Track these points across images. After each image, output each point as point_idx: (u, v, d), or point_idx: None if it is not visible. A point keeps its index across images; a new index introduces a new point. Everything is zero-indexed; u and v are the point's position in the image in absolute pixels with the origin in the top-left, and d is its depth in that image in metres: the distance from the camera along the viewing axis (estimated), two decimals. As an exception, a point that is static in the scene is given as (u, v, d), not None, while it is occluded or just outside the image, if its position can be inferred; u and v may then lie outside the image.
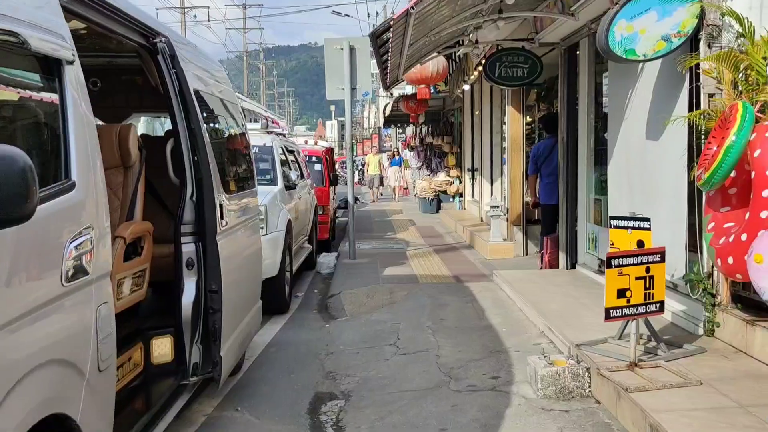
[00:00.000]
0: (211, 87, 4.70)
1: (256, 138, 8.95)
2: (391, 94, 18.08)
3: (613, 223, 5.03)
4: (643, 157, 6.05)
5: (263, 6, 74.92)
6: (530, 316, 6.65)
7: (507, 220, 10.63)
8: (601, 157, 8.02)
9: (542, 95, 11.44)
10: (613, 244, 4.99)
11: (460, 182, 19.45)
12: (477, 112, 17.08)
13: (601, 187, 7.68)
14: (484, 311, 7.08)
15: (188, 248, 3.89)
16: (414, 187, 25.90)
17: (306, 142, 14.06)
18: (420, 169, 23.45)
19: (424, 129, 22.79)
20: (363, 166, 29.12)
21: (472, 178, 17.53)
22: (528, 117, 11.49)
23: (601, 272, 7.49)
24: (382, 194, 24.21)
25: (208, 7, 56.21)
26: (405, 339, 6.16)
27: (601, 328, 5.21)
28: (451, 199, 20.23)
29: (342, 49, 10.39)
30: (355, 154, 18.09)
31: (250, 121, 9.40)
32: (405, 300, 7.76)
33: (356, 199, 25.11)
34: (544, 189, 8.67)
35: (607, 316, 4.48)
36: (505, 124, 13.14)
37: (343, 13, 26.07)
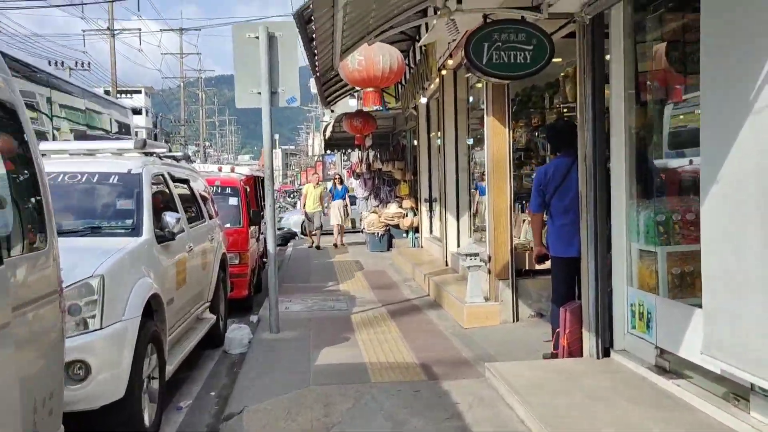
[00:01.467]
0: None
1: (115, 162, 5.85)
2: (332, 111, 15.13)
3: None
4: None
5: (201, 30, 71.86)
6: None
7: (489, 271, 7.72)
8: (651, 183, 5.18)
9: (530, 101, 8.67)
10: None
11: (415, 214, 16.56)
12: (436, 132, 14.26)
13: (657, 230, 4.83)
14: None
15: None
16: (360, 220, 22.94)
17: (220, 170, 10.96)
18: (367, 199, 20.49)
19: (371, 153, 19.91)
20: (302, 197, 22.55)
21: (430, 210, 14.66)
22: (519, 128, 8.72)
23: (664, 370, 4.62)
24: (322, 245, 17.34)
25: (140, 30, 52.71)
26: None
27: None
28: (405, 235, 17.28)
29: (257, 37, 7.41)
30: (298, 183, 14.91)
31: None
32: (349, 422, 4.71)
33: (294, 235, 21.90)
34: (557, 233, 5.78)
35: None
36: (478, 143, 10.34)
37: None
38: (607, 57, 5.35)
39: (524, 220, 8.06)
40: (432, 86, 10.73)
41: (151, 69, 77.04)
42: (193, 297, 6.28)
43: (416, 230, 16.65)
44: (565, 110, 7.92)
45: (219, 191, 9.84)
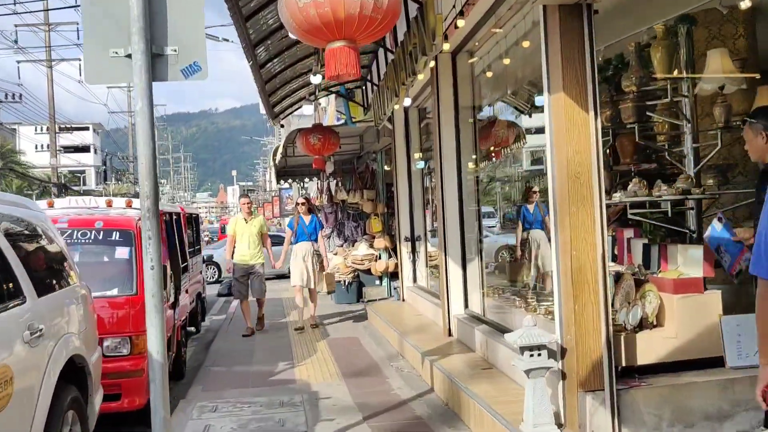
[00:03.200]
0: None
1: None
2: (282, 126, 11.64)
3: None
4: None
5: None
6: None
7: (563, 376, 4.24)
8: None
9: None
10: None
11: (390, 256, 13.11)
12: (419, 152, 10.88)
13: None
14: None
15: None
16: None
17: (109, 204, 7.29)
18: (329, 237, 16.92)
19: (333, 182, 16.43)
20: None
21: (413, 251, 11.23)
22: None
23: None
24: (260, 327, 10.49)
25: (79, 59, 48.67)
26: None
27: None
28: (378, 281, 13.80)
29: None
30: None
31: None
32: None
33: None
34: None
35: None
36: (484, 158, 7.05)
37: (220, 37, 19.57)
38: None
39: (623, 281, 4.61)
40: (422, 75, 7.36)
41: (96, 103, 72.64)
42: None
43: (393, 275, 13.19)
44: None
45: (98, 239, 6.26)
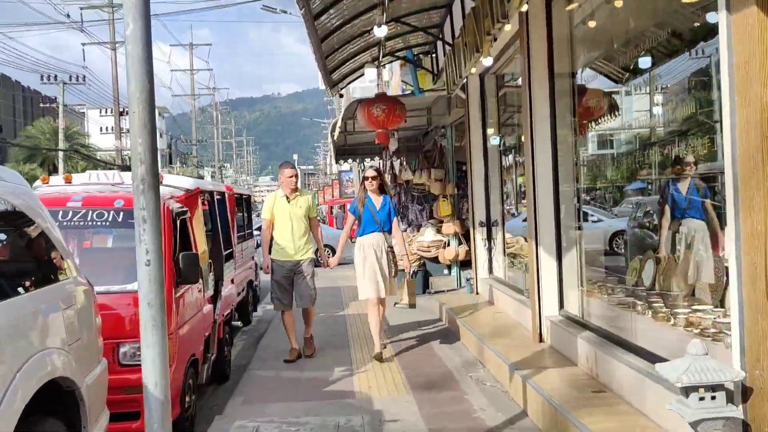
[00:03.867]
0: None
1: None
2: (341, 95, 10.40)
3: None
4: None
5: (211, 45, 68.24)
6: None
7: (746, 425, 2.88)
8: None
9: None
10: None
11: (461, 243, 11.80)
12: (496, 125, 9.51)
13: None
14: None
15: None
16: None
17: (118, 180, 6.03)
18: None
19: (396, 163, 15.16)
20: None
21: (488, 238, 9.89)
22: None
23: None
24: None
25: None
26: None
27: None
28: (446, 270, 12.53)
29: None
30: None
31: None
32: None
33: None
34: None
35: None
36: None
37: (278, 9, 18.43)
38: None
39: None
40: (509, 25, 5.99)
41: (160, 87, 73.29)
42: None
43: (462, 264, 11.89)
44: None
45: (117, 221, 5.14)
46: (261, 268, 8.18)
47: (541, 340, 6.35)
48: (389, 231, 7.20)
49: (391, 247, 7.21)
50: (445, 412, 5.28)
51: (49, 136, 42.21)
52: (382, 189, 7.29)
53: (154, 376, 2.64)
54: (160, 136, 78.98)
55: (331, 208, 38.38)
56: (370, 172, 7.38)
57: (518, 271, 9.01)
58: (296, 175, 7.39)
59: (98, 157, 41.53)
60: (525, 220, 8.19)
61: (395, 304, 7.79)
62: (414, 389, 5.92)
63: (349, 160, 17.16)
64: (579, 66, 6.77)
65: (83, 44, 43.92)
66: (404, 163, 14.41)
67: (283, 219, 7.25)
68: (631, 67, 6.72)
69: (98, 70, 41.95)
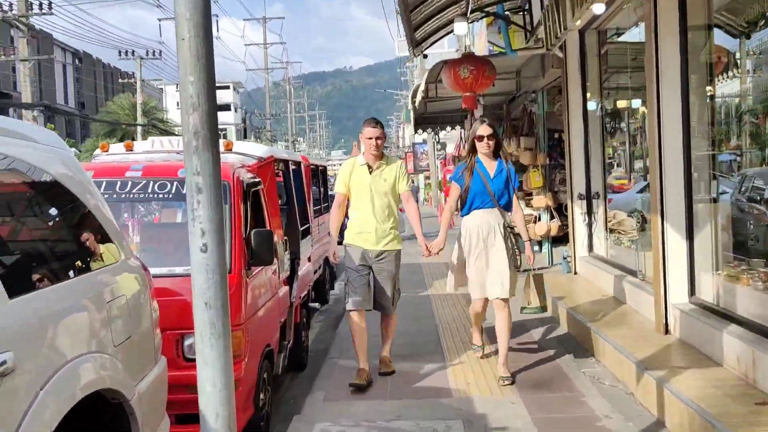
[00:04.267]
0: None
1: None
2: (425, 56, 9.52)
3: None
4: None
5: (284, 18, 68.17)
6: None
7: None
8: None
9: None
10: None
11: (553, 217, 10.86)
12: (597, 88, 8.49)
13: None
14: None
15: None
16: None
17: (170, 147, 5.29)
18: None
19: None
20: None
21: (588, 212, 8.91)
22: None
23: None
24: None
25: (217, 16, 48.73)
26: None
27: None
28: (537, 248, 11.56)
29: None
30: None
31: None
32: None
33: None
34: None
35: None
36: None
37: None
38: None
39: None
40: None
41: (235, 61, 73.74)
42: None
43: (554, 241, 10.95)
44: None
45: (181, 193, 4.50)
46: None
47: (666, 331, 5.42)
48: (506, 207, 5.45)
49: (511, 228, 5.45)
50: (560, 419, 4.46)
51: (128, 112, 42.91)
52: (497, 152, 5.47)
53: (214, 406, 1.91)
54: (235, 110, 79.90)
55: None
56: (485, 129, 5.36)
57: (625, 250, 8.05)
58: (382, 137, 5.48)
59: (176, 132, 41.98)
60: (642, 190, 7.20)
61: (522, 309, 6.15)
62: (519, 387, 5.11)
63: (429, 130, 16.30)
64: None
65: (159, 19, 44.28)
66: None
67: (362, 195, 5.46)
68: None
69: (173, 43, 42.22)
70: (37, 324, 2.21)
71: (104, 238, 2.92)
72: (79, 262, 2.67)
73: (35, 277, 2.34)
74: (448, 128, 16.25)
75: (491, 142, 5.38)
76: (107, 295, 2.72)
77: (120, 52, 39.53)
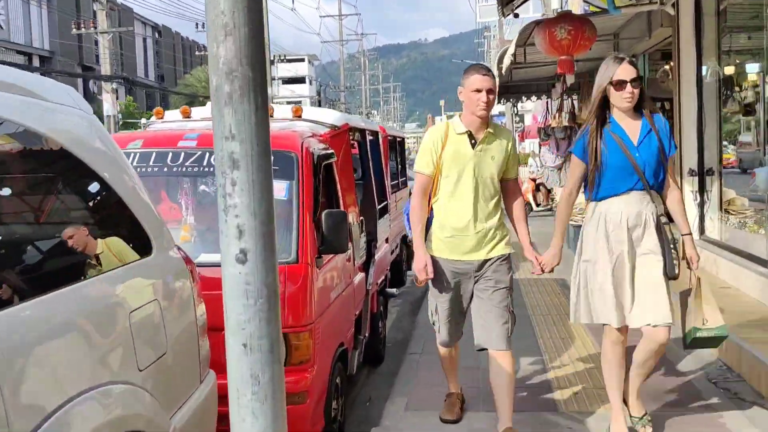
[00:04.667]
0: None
1: None
2: (516, 16, 8.57)
3: None
4: None
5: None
6: None
7: None
8: None
9: None
10: None
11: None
12: (725, 36, 7.42)
13: None
14: None
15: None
16: (552, 200, 16.28)
17: (270, 113, 4.84)
18: (561, 170, 13.71)
19: (568, 100, 13.10)
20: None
21: (701, 191, 7.89)
22: None
23: None
24: None
25: (291, -8, 48.75)
26: None
27: None
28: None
29: None
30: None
31: None
32: None
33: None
34: None
35: None
36: None
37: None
38: None
39: None
40: None
41: (309, 33, 73.52)
42: None
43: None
44: None
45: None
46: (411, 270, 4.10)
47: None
48: (660, 187, 3.60)
49: (666, 220, 3.65)
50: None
51: (205, 84, 43.32)
52: (640, 104, 3.56)
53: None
54: (310, 83, 79.97)
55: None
56: (626, 70, 3.46)
57: (739, 232, 7.06)
58: (493, 90, 3.61)
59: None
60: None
61: (690, 339, 3.74)
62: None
63: (512, 100, 15.31)
64: None
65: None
66: (579, 101, 12.36)
67: (460, 178, 3.66)
68: None
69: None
70: (20, 350, 1.55)
71: (132, 226, 2.25)
72: (89, 260, 2.01)
73: (16, 283, 1.68)
74: (534, 97, 15.17)
75: (636, 91, 3.48)
76: (130, 302, 2.05)
77: (197, 24, 39.76)
